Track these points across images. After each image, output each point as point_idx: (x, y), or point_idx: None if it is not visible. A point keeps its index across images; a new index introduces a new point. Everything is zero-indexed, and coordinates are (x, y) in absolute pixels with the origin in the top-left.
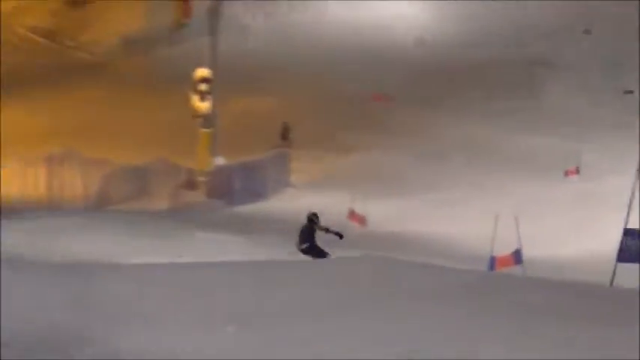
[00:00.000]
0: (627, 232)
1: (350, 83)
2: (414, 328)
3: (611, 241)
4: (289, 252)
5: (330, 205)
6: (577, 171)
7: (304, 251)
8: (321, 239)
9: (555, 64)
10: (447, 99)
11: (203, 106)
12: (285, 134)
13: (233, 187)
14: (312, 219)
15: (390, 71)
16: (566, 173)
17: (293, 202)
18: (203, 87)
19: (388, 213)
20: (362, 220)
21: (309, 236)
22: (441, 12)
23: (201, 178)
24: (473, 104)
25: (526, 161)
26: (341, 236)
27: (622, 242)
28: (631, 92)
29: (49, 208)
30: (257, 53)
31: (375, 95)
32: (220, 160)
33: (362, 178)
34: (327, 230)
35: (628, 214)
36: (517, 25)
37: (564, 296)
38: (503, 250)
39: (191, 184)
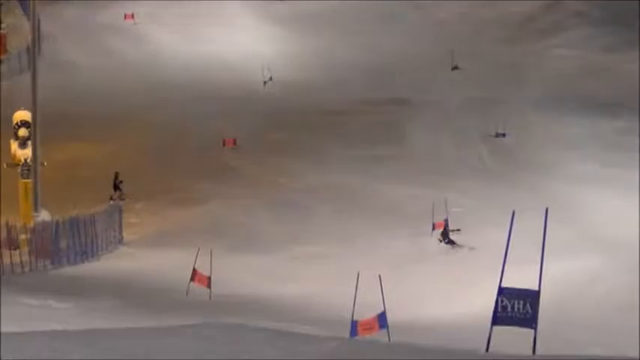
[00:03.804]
0: (502, 291)
1: (192, 127)
2: None
3: (485, 301)
4: None
5: (170, 266)
6: (446, 223)
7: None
8: None
9: (418, 103)
10: (302, 145)
11: (23, 153)
12: (117, 185)
13: (59, 246)
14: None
15: (238, 115)
16: (434, 226)
17: (127, 262)
18: (23, 132)
19: (238, 272)
20: (206, 281)
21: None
22: (293, 54)
23: (22, 236)
24: (333, 151)
25: (394, 213)
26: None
27: (497, 303)
28: (503, 135)
29: None
30: (83, 94)
31: (225, 140)
32: (45, 215)
33: (207, 233)
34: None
35: (502, 270)
36: (378, 64)
37: None
38: (367, 313)
39: (11, 243)
